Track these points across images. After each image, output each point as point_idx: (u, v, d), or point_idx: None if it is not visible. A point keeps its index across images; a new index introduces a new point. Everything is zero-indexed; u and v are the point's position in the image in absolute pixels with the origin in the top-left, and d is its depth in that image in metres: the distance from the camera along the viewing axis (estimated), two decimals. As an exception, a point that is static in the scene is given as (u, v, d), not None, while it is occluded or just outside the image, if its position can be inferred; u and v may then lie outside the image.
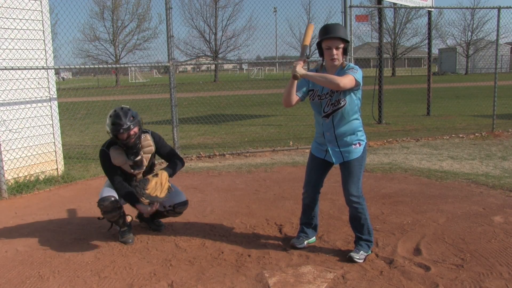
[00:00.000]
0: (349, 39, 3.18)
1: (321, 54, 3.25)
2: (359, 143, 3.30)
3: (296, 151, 7.82)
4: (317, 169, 3.47)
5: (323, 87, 3.21)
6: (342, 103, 3.19)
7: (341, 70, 3.19)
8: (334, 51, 3.14)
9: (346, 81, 3.04)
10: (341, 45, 3.15)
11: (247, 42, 43.15)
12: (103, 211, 3.68)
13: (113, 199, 3.65)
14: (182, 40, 43.22)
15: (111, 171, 3.71)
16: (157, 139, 3.84)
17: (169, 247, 3.71)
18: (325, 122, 3.28)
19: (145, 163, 3.83)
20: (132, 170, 3.77)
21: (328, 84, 3.06)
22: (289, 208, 4.57)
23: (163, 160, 3.95)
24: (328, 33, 3.12)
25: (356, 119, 3.29)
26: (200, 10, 44.86)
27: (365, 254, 3.33)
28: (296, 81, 3.17)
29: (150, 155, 3.84)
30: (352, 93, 3.20)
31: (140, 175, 3.85)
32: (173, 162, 3.83)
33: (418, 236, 3.73)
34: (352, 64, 3.22)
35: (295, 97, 3.24)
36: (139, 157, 3.73)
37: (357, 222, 3.38)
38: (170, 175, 3.73)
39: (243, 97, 20.20)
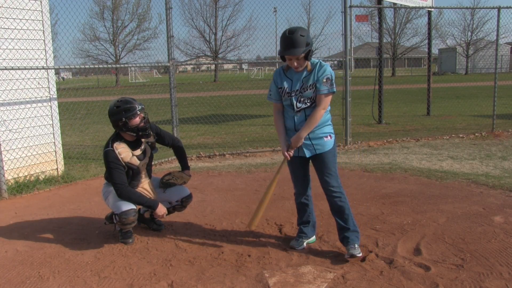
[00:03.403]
0: (307, 46, 3.12)
1: (283, 60, 3.28)
2: (330, 136, 3.36)
3: (296, 151, 7.81)
4: (298, 167, 3.49)
5: (292, 84, 3.28)
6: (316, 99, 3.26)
7: (307, 72, 3.24)
8: (295, 63, 3.19)
9: (325, 106, 3.23)
10: (301, 55, 3.14)
11: (247, 42, 43.25)
12: (124, 224, 3.66)
13: (135, 213, 3.67)
14: (182, 40, 43.27)
15: (119, 172, 3.64)
16: (154, 129, 3.93)
17: (169, 247, 3.71)
18: (298, 116, 3.31)
19: (148, 153, 3.89)
20: (139, 161, 3.77)
21: (317, 123, 3.25)
22: (289, 208, 4.57)
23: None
24: (284, 50, 3.13)
25: (327, 112, 3.34)
26: (200, 10, 44.91)
27: (358, 245, 3.35)
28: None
29: (154, 139, 3.94)
30: None
31: (144, 170, 3.86)
32: (180, 151, 4.11)
33: (418, 236, 3.73)
34: (324, 66, 3.22)
35: (281, 112, 3.41)
36: (152, 139, 3.85)
37: (342, 212, 3.39)
38: (189, 168, 4.18)
39: (243, 97, 20.21)
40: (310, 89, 3.24)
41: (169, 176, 4.00)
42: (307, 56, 3.19)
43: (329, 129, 3.38)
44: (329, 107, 3.36)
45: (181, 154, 4.14)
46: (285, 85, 3.32)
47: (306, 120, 3.28)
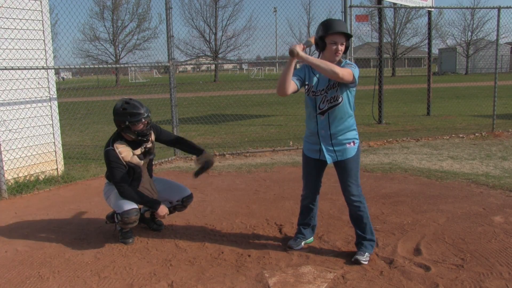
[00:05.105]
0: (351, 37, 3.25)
1: (321, 49, 3.17)
2: (353, 142, 3.28)
3: (296, 151, 7.81)
4: (314, 170, 3.45)
5: (318, 83, 3.20)
6: (340, 100, 3.17)
7: (339, 65, 3.17)
8: (340, 47, 3.11)
9: (345, 72, 3.01)
10: (345, 42, 3.14)
11: (247, 42, 43.22)
12: (125, 223, 3.65)
13: (137, 212, 3.66)
14: (182, 40, 43.21)
15: (121, 172, 3.64)
16: (155, 128, 3.92)
17: (169, 247, 3.71)
18: (321, 119, 3.24)
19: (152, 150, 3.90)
20: (139, 161, 3.77)
21: (326, 72, 2.97)
22: (289, 208, 4.57)
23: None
24: (335, 28, 3.07)
25: (351, 117, 3.27)
26: (200, 10, 44.85)
27: (370, 255, 3.32)
28: (293, 64, 3.00)
29: (152, 144, 3.92)
30: (348, 91, 3.19)
31: (145, 169, 3.86)
32: (186, 143, 4.02)
33: (418, 236, 3.73)
34: (349, 61, 3.23)
35: (291, 84, 3.05)
36: (150, 144, 3.81)
37: (360, 221, 3.36)
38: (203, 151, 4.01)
39: (243, 97, 20.20)
40: (333, 88, 3.16)
41: (197, 167, 3.87)
42: (346, 49, 3.17)
43: (352, 135, 3.29)
44: (353, 111, 3.30)
45: (189, 145, 4.03)
46: (313, 82, 3.23)
47: (329, 124, 3.22)
